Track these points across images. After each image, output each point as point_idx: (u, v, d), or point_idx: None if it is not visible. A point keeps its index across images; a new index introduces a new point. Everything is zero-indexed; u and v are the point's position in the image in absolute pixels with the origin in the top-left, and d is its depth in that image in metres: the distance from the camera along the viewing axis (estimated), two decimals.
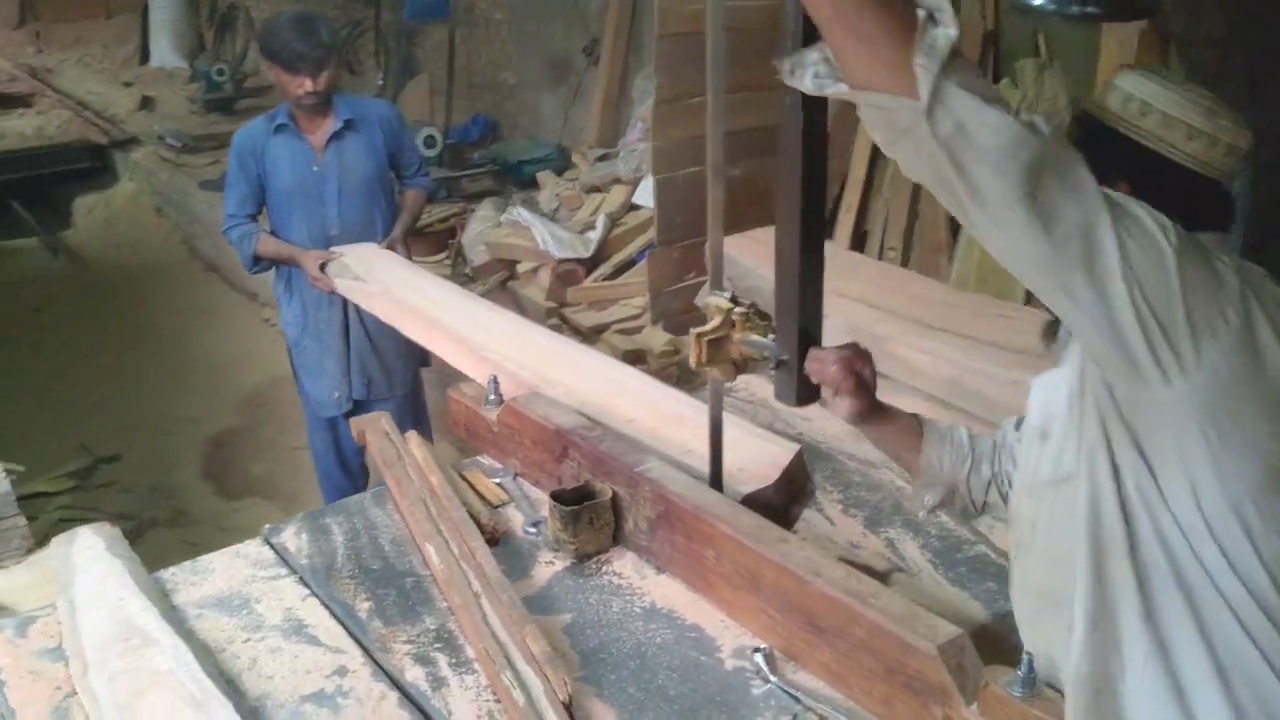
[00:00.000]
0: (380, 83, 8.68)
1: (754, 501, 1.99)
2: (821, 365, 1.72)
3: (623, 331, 4.22)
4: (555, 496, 2.04)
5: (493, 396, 2.42)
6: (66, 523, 4.64)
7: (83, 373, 6.10)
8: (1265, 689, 1.30)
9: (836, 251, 3.15)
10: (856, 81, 1.24)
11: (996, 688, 1.48)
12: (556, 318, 4.39)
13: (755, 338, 1.84)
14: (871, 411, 1.75)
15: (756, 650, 1.76)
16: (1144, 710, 1.33)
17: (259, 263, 3.82)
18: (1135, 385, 1.27)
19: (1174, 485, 1.30)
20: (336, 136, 3.72)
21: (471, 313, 2.96)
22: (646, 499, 1.99)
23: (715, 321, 1.87)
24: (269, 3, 10.62)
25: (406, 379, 3.94)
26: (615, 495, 2.06)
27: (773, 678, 1.72)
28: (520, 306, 4.63)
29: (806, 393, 1.78)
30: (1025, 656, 1.45)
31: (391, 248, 3.74)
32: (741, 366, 1.89)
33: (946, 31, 1.17)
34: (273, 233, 3.80)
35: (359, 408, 3.84)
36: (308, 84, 3.59)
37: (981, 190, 1.20)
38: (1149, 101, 1.42)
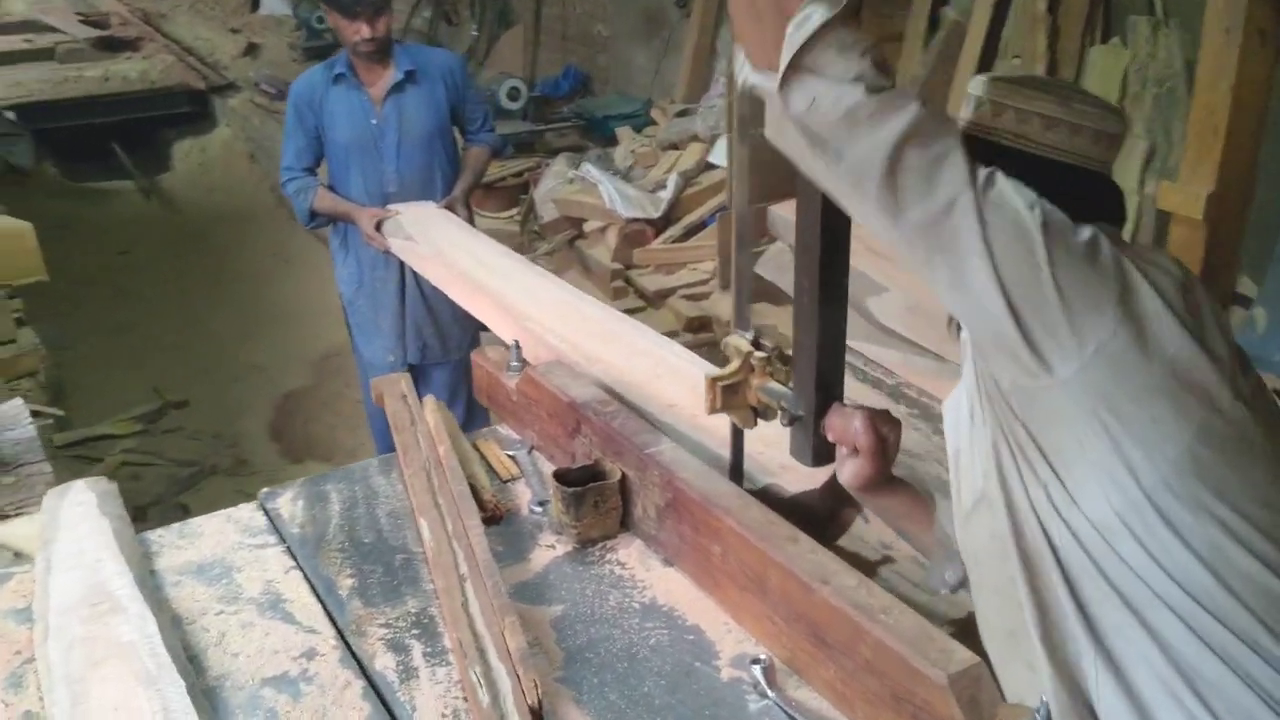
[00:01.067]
0: (475, 33, 8.59)
1: (798, 506, 1.81)
2: (845, 422, 1.58)
3: (689, 297, 4.03)
4: (559, 476, 1.89)
5: (515, 363, 2.28)
6: (129, 465, 4.70)
7: (162, 316, 6.17)
8: (1235, 697, 1.14)
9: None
10: (755, 65, 1.23)
11: None
12: (621, 279, 4.23)
13: (774, 386, 1.70)
14: (884, 482, 1.63)
15: (755, 661, 1.58)
16: None
17: (315, 218, 3.72)
18: (1019, 374, 1.20)
19: (1083, 484, 1.19)
20: (396, 89, 3.58)
21: (520, 279, 2.79)
22: (655, 484, 1.82)
23: (733, 365, 1.72)
24: None
25: (463, 344, 3.83)
26: (624, 477, 1.90)
27: (770, 693, 1.54)
28: (586, 267, 4.48)
29: (824, 452, 1.64)
30: (1042, 704, 1.25)
31: (450, 207, 3.60)
32: (762, 413, 1.73)
33: (820, 7, 1.16)
34: (331, 187, 3.69)
35: (414, 371, 3.75)
36: (364, 30, 3.45)
37: (837, 166, 1.19)
38: (1000, 101, 1.34)
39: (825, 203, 1.52)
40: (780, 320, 4.43)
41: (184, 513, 3.77)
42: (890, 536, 1.90)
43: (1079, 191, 1.30)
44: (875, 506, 1.70)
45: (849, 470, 1.58)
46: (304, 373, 5.54)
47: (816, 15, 1.16)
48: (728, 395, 1.74)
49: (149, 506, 4.25)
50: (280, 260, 6.89)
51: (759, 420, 1.77)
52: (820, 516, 1.85)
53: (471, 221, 3.68)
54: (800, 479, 1.83)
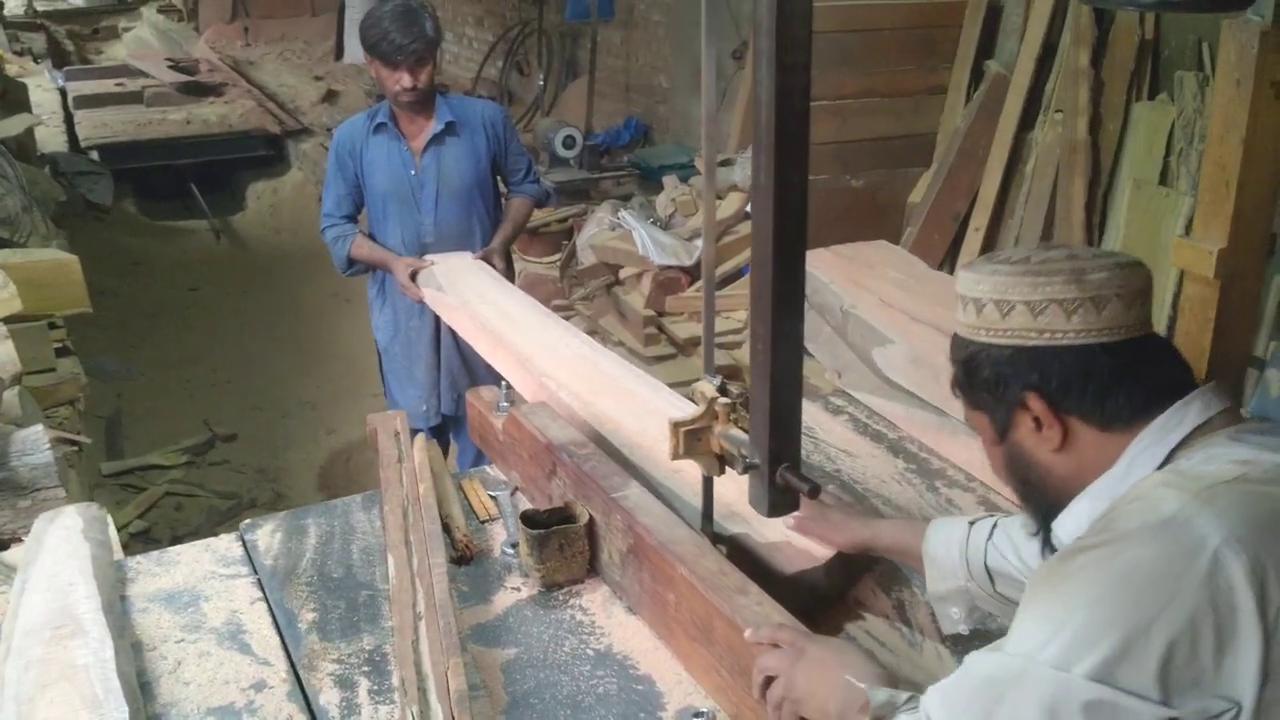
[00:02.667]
0: (541, 84, 8.72)
1: (800, 584, 1.73)
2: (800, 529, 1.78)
3: (721, 345, 4.00)
4: (525, 518, 1.87)
5: (504, 404, 2.28)
6: (172, 496, 4.78)
7: (223, 351, 6.30)
8: None
9: (921, 272, 2.86)
10: None
11: None
12: (654, 326, 4.22)
13: (736, 433, 1.67)
14: (868, 541, 1.75)
15: (697, 715, 1.54)
16: None
17: (353, 265, 3.67)
18: None
19: None
20: (436, 140, 3.53)
21: (541, 334, 2.70)
22: (619, 529, 1.80)
23: (698, 411, 1.69)
24: (452, 2, 10.88)
25: None
26: (593, 521, 1.88)
27: None
28: (621, 313, 4.48)
29: (782, 503, 1.61)
30: None
31: (487, 258, 3.51)
32: (728, 460, 1.69)
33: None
34: (370, 235, 3.64)
35: (448, 422, 3.72)
36: (405, 79, 3.39)
37: None
38: (1002, 298, 1.26)
39: (778, 246, 1.50)
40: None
41: None
42: (864, 593, 1.84)
43: (1129, 371, 1.23)
44: (889, 556, 1.77)
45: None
46: (353, 410, 5.60)
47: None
48: (691, 441, 1.72)
49: (186, 537, 4.31)
50: (341, 300, 7.01)
51: (726, 468, 1.74)
52: (826, 594, 1.78)
53: (510, 273, 3.62)
54: (799, 556, 1.77)
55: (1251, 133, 2.09)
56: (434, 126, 3.52)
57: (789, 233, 1.49)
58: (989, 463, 1.39)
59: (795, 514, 1.70)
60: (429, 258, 3.46)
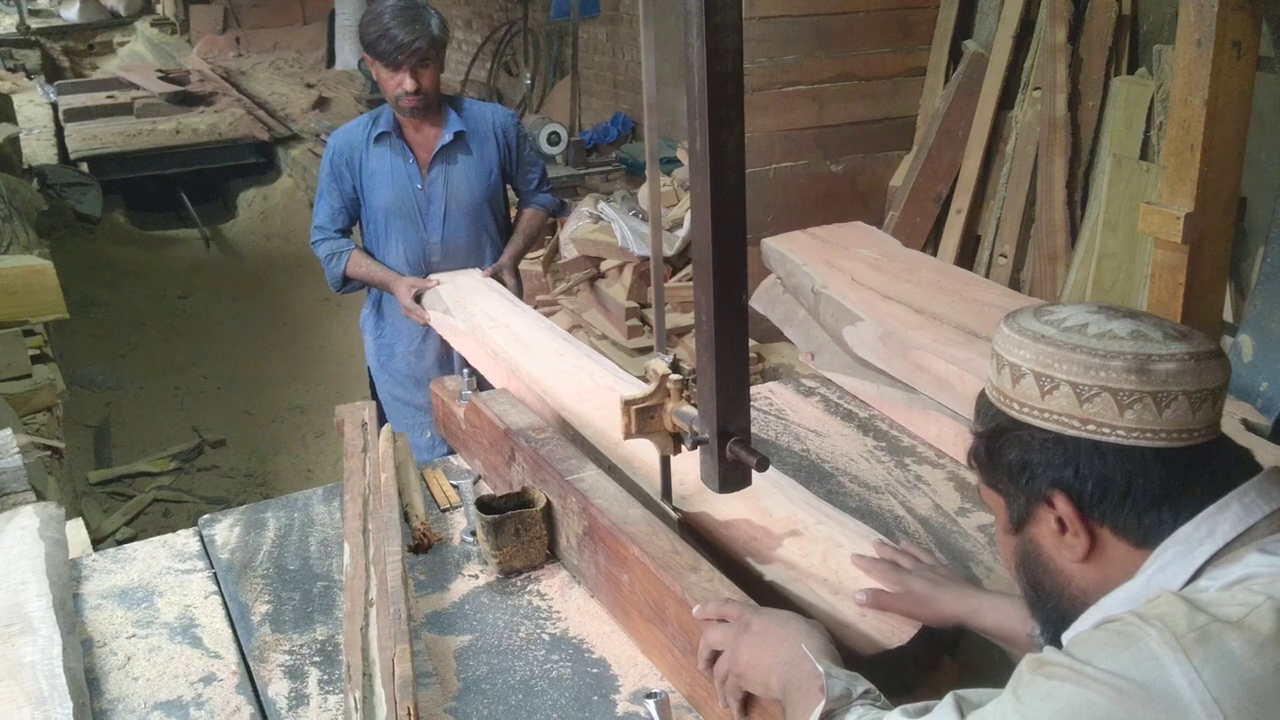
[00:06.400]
0: (528, 83, 8.69)
1: (887, 661, 1.45)
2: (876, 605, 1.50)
3: None
4: (481, 504, 1.84)
5: (467, 392, 2.25)
6: (160, 502, 4.76)
7: (213, 358, 6.29)
8: None
9: (895, 251, 2.82)
10: None
11: None
12: (636, 318, 4.19)
13: (687, 409, 1.63)
14: (964, 619, 1.46)
15: (650, 695, 1.50)
16: None
17: (348, 283, 3.33)
18: None
19: None
20: (444, 151, 3.21)
21: (559, 361, 2.41)
22: (574, 512, 1.77)
23: (649, 389, 1.66)
24: (448, 4, 10.87)
25: None
26: (549, 505, 1.85)
27: None
28: (604, 306, 4.44)
29: (732, 478, 1.58)
30: None
31: (497, 275, 3.20)
32: (682, 438, 1.66)
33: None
34: (366, 249, 3.32)
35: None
36: (407, 82, 3.07)
37: None
38: (1045, 373, 1.05)
39: (716, 212, 1.47)
40: (771, 355, 4.35)
41: None
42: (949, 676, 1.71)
43: (1182, 485, 1.03)
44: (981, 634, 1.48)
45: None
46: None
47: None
48: (643, 419, 1.69)
49: None
50: (332, 305, 6.99)
51: (681, 447, 1.71)
52: (913, 668, 1.50)
53: (519, 290, 3.29)
54: (886, 628, 1.48)
55: (1214, 94, 2.05)
56: (442, 137, 3.21)
57: (726, 199, 1.46)
58: (999, 549, 1.23)
59: (869, 589, 1.50)
60: (434, 277, 3.15)
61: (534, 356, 2.44)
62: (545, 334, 2.58)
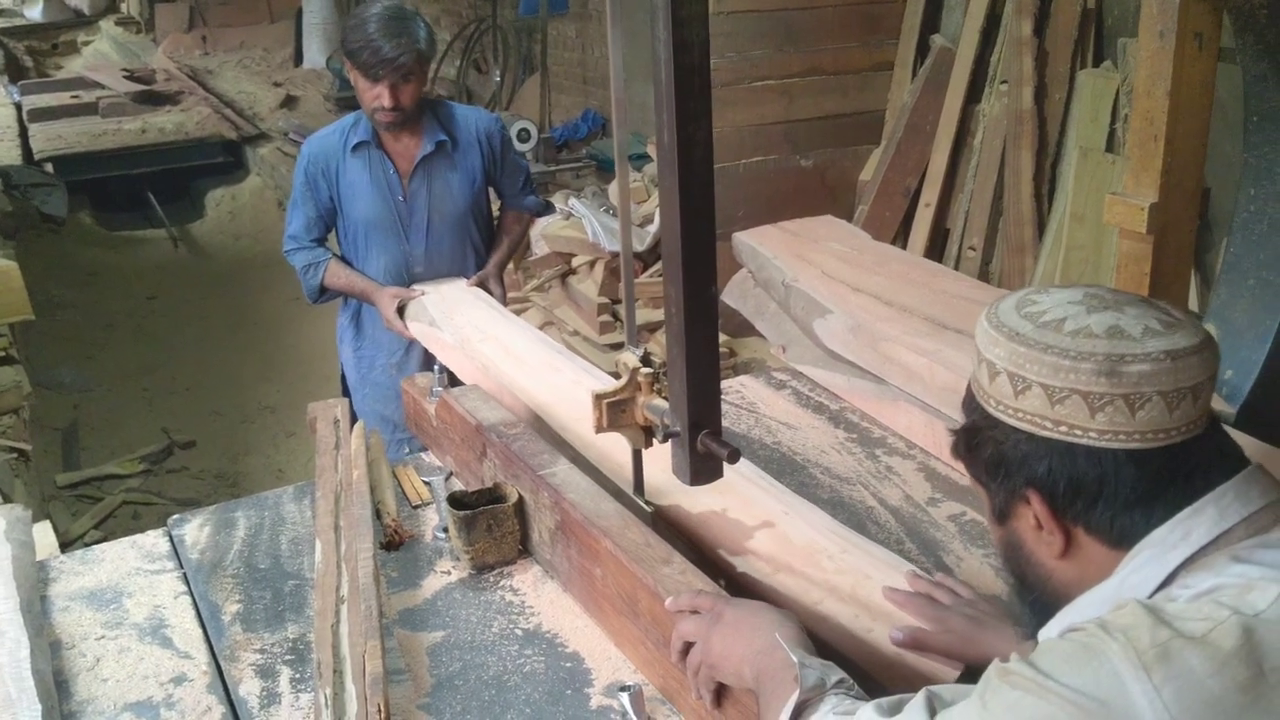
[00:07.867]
0: (497, 79, 8.67)
1: None
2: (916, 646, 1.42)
3: None
4: (452, 500, 1.84)
5: (438, 389, 2.24)
6: (130, 504, 4.72)
7: (182, 359, 6.23)
8: None
9: (865, 244, 2.83)
10: None
11: None
12: (608, 314, 4.18)
13: (659, 403, 1.64)
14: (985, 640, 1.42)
15: (624, 689, 1.51)
16: None
17: (324, 293, 3.20)
18: None
19: None
20: (425, 162, 3.08)
21: (553, 375, 2.32)
22: (546, 506, 1.77)
23: (620, 382, 1.66)
24: (418, 2, 10.81)
25: None
26: (521, 501, 1.84)
27: None
28: (575, 302, 4.44)
29: (703, 470, 1.58)
30: None
31: (482, 283, 3.10)
32: (653, 431, 1.66)
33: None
34: (343, 258, 3.20)
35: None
36: (385, 97, 2.91)
37: None
38: (1017, 373, 1.04)
39: (684, 205, 1.48)
40: (743, 350, 4.36)
41: None
42: None
43: (1156, 488, 1.01)
44: None
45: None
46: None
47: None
48: (614, 413, 1.69)
49: None
50: (302, 304, 6.92)
51: (653, 440, 1.72)
52: None
53: (504, 298, 3.19)
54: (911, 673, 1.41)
55: (1177, 86, 2.07)
56: (423, 146, 3.07)
57: (694, 191, 1.47)
58: (991, 538, 1.23)
59: (906, 626, 1.43)
60: (417, 287, 3.05)
61: (526, 370, 2.35)
62: (536, 346, 2.50)
